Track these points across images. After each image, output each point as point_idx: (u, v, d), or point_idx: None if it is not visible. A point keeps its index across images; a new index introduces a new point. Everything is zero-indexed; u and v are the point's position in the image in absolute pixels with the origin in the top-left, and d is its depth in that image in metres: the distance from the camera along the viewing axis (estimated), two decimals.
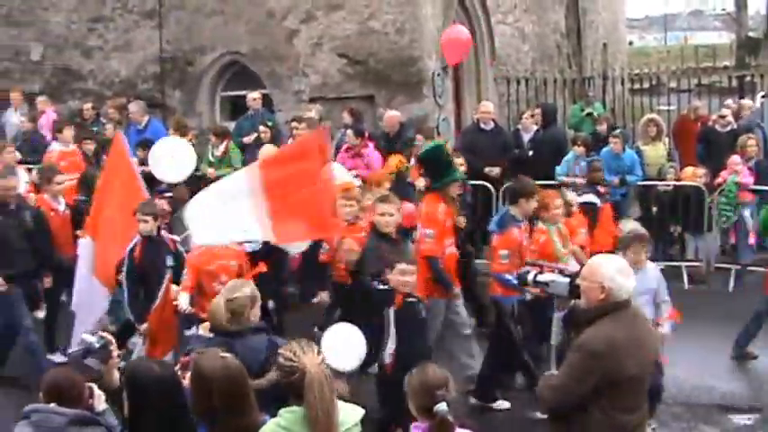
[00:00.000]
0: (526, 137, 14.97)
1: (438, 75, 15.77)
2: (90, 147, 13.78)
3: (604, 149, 13.89)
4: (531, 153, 14.57)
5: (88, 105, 16.42)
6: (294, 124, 14.01)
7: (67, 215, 10.83)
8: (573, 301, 5.72)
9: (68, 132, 13.64)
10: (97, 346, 5.30)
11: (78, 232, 10.32)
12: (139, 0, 17.19)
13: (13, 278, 9.67)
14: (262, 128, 14.08)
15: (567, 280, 5.83)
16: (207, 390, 4.80)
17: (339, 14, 15.70)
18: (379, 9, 15.46)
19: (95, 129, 15.63)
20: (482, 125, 14.27)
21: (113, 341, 5.46)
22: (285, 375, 4.60)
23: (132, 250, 8.91)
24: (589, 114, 16.62)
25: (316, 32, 15.87)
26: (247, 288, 6.47)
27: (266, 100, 15.87)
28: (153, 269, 8.89)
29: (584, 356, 5.17)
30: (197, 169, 12.98)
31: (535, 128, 14.98)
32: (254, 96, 15.32)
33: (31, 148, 14.59)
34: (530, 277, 6.24)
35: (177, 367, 5.56)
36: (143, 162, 13.26)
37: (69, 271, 10.12)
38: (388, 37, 15.50)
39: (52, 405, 4.89)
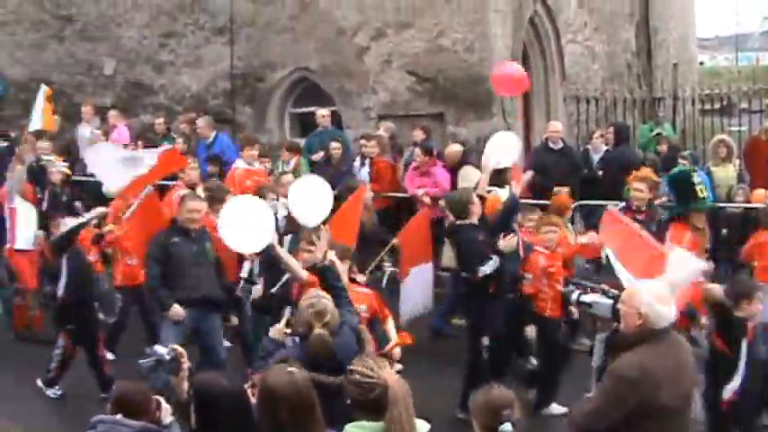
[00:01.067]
0: (596, 157, 15.10)
1: None
2: (268, 164, 13.78)
3: (673, 170, 13.95)
4: (600, 173, 14.70)
5: (160, 120, 16.87)
6: (363, 142, 14.38)
7: None
8: (615, 324, 5.74)
9: (252, 150, 13.39)
10: (168, 358, 5.46)
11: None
12: (211, 17, 17.66)
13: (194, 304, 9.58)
14: (334, 144, 14.34)
15: (611, 302, 5.87)
16: (274, 405, 4.81)
17: (409, 32, 15.97)
18: (449, 27, 15.71)
19: (167, 144, 16.11)
20: (551, 145, 14.41)
21: (184, 354, 5.59)
22: (364, 392, 4.59)
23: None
24: (658, 135, 16.71)
25: (385, 50, 16.17)
26: (324, 298, 6.43)
27: (335, 117, 16.17)
28: None
29: (616, 382, 5.21)
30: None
31: (605, 148, 15.09)
32: (323, 113, 15.59)
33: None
34: (573, 297, 6.29)
35: (248, 384, 5.61)
36: (212, 175, 13.73)
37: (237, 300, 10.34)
38: (457, 55, 15.73)
39: (119, 416, 5.07)
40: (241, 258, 9.91)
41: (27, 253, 12.31)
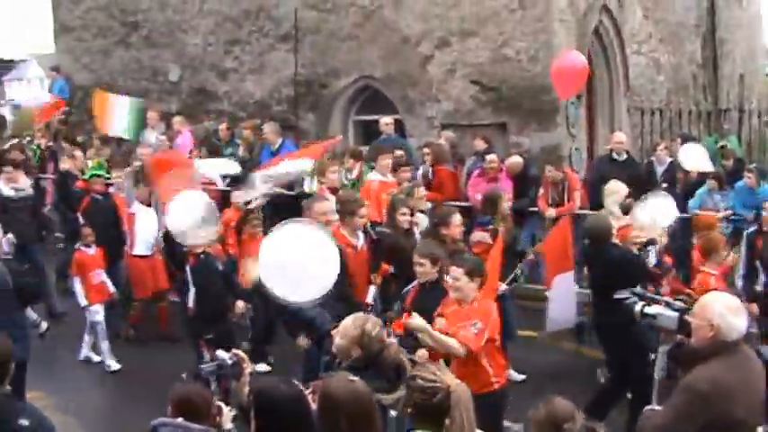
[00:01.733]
0: (660, 169, 15.02)
1: (571, 104, 16.01)
2: (406, 175, 12.96)
3: (738, 183, 13.91)
4: (664, 185, 14.74)
5: (223, 126, 17.14)
6: (426, 150, 14.58)
7: (365, 252, 9.83)
8: (679, 336, 5.74)
9: (387, 161, 13.07)
10: (230, 363, 5.57)
11: (372, 276, 9.80)
12: (275, 24, 18.03)
13: None
14: (398, 152, 14.36)
15: (676, 314, 5.82)
16: (334, 412, 4.80)
17: (473, 41, 16.16)
18: (513, 37, 15.87)
19: (230, 150, 16.44)
20: (615, 156, 14.51)
21: (246, 359, 5.69)
22: (427, 396, 4.67)
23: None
24: (723, 147, 16.70)
25: (449, 58, 16.36)
26: (372, 319, 6.28)
27: (399, 125, 16.40)
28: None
29: (690, 397, 5.10)
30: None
31: (669, 160, 15.13)
32: (386, 121, 15.81)
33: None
34: (637, 308, 6.19)
35: (309, 391, 5.49)
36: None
37: None
38: (521, 64, 15.88)
39: (180, 420, 5.14)
40: None
41: (145, 259, 12.48)
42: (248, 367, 5.68)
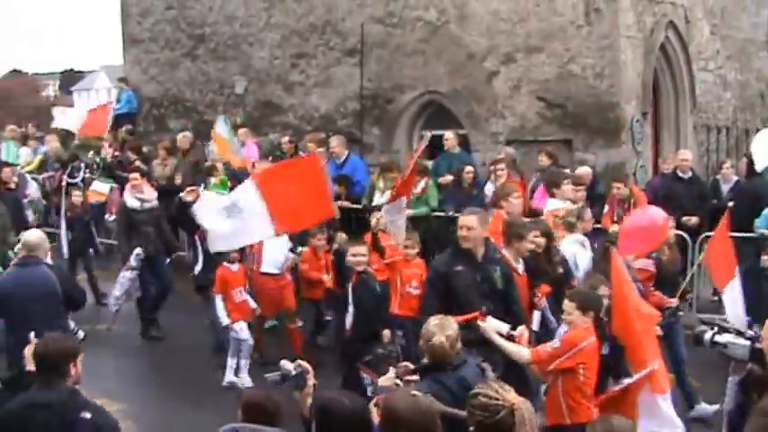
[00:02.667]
0: (725, 187, 15.06)
1: (637, 121, 16.18)
2: (581, 194, 12.51)
3: None
4: (730, 204, 14.78)
5: (286, 139, 17.51)
6: (497, 166, 14.66)
7: (525, 278, 9.28)
8: (750, 365, 5.74)
9: (569, 187, 12.45)
10: (293, 373, 5.69)
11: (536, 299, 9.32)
12: (341, 38, 18.44)
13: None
14: (468, 168, 14.76)
15: (748, 343, 5.80)
16: (395, 427, 4.91)
17: (539, 57, 16.38)
18: (579, 53, 16.04)
19: None
20: (680, 174, 14.57)
21: (310, 370, 5.78)
22: (490, 414, 4.69)
23: None
24: None
25: (515, 74, 16.59)
26: (453, 323, 6.45)
27: (464, 140, 16.62)
28: None
29: (765, 422, 5.01)
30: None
31: (735, 178, 15.17)
32: (447, 136, 15.96)
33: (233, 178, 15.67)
34: (707, 336, 6.13)
35: (372, 403, 5.58)
36: (339, 197, 14.36)
37: None
38: (586, 81, 16.04)
39: (254, 425, 5.33)
40: None
41: (273, 277, 12.10)
42: (312, 378, 5.78)
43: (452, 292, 8.34)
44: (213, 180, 14.20)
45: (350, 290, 9.95)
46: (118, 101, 22.35)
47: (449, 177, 15.12)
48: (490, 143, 16.81)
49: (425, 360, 6.34)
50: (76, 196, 15.28)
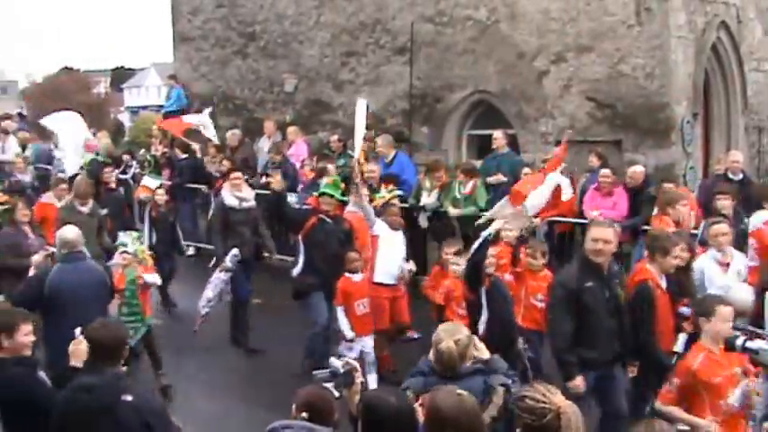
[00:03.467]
0: None
1: (687, 122, 16.22)
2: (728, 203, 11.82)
3: None
4: None
5: (335, 137, 17.77)
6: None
7: (668, 295, 8.76)
8: None
9: (685, 208, 11.83)
10: (342, 371, 5.76)
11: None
12: (391, 36, 18.74)
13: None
14: (525, 169, 14.67)
15: None
16: (440, 425, 4.93)
17: (589, 57, 16.47)
18: (630, 53, 16.09)
19: (343, 161, 17.09)
20: (730, 175, 14.48)
21: (358, 368, 5.88)
22: (537, 417, 4.71)
23: None
24: None
25: (565, 74, 16.71)
26: (464, 329, 6.47)
27: (513, 140, 16.64)
28: None
29: None
30: (441, 206, 14.22)
31: None
32: (496, 136, 15.89)
33: (282, 176, 16.06)
34: (738, 342, 6.14)
35: (418, 403, 5.60)
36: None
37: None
38: (637, 81, 16.09)
39: (304, 422, 5.36)
40: None
41: (388, 288, 11.44)
42: (360, 377, 5.86)
43: (581, 310, 8.03)
44: (325, 180, 13.06)
45: (483, 294, 9.38)
46: (168, 98, 22.81)
47: (500, 177, 15.10)
48: (539, 143, 16.91)
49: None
50: (160, 195, 14.75)
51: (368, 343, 10.89)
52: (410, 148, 17.98)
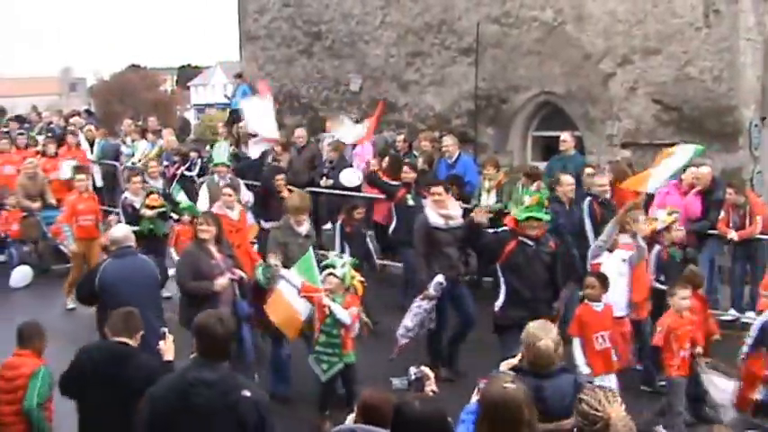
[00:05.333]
0: None
1: (755, 126, 16.31)
2: None
3: None
4: None
5: (401, 137, 18.15)
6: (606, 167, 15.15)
7: None
8: None
9: None
10: (413, 377, 6.07)
11: None
12: (457, 37, 19.09)
13: None
14: (588, 170, 14.60)
15: None
16: (484, 415, 5.16)
17: (656, 59, 16.62)
18: (697, 56, 16.21)
19: (407, 161, 17.44)
20: None
21: (430, 376, 6.13)
22: (588, 423, 4.97)
23: None
24: None
25: (631, 76, 16.87)
26: (554, 327, 6.57)
27: (578, 142, 16.75)
28: None
29: None
30: (506, 207, 14.43)
31: None
32: (564, 138, 16.00)
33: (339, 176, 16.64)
34: None
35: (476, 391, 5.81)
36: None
37: None
38: (704, 84, 16.18)
39: (369, 427, 5.60)
40: None
41: (617, 321, 10.50)
42: (431, 384, 6.11)
43: None
44: (528, 200, 10.54)
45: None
46: (234, 96, 23.36)
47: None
48: (605, 146, 17.12)
49: (523, 363, 6.44)
50: (359, 214, 13.75)
51: (610, 383, 9.28)
52: (475, 150, 18.30)
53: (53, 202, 17.49)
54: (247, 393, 6.01)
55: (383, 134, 19.74)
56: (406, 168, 14.69)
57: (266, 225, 13.84)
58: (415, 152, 17.61)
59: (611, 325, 9.85)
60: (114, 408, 6.84)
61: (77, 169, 16.59)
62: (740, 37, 16.14)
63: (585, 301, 9.83)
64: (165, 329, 7.62)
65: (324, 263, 10.26)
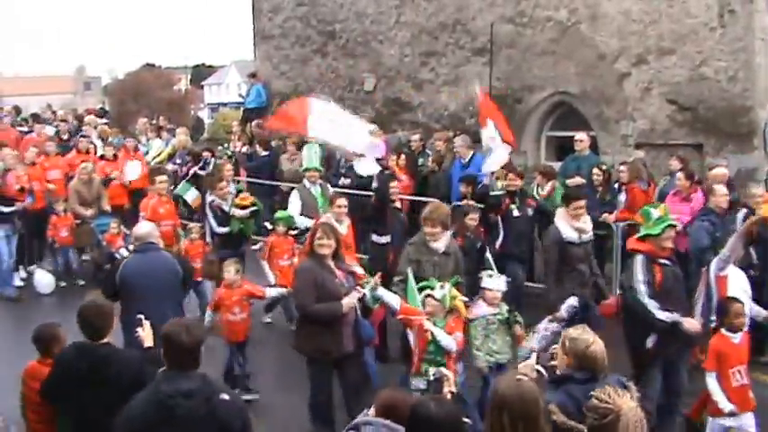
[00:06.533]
0: None
1: None
2: None
3: None
4: None
5: (416, 137, 18.30)
6: (621, 168, 15.20)
7: None
8: None
9: None
10: (430, 379, 6.46)
11: None
12: (471, 37, 19.21)
13: None
14: (596, 170, 15.03)
15: None
16: (500, 411, 5.10)
17: (671, 59, 16.65)
18: (712, 56, 16.23)
19: (421, 160, 17.60)
20: None
21: (450, 377, 6.21)
22: (598, 417, 4.97)
23: None
24: None
25: (646, 77, 16.92)
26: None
27: (592, 142, 16.83)
28: None
29: None
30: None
31: None
32: (580, 138, 16.17)
33: (355, 175, 16.56)
34: None
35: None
36: (464, 197, 14.87)
37: None
38: (719, 84, 16.19)
39: (386, 421, 5.59)
40: None
41: None
42: (449, 385, 6.14)
43: None
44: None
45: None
46: (247, 95, 23.56)
47: (577, 179, 15.33)
48: (619, 146, 17.16)
49: (567, 369, 6.24)
50: (472, 220, 12.62)
51: (747, 422, 8.85)
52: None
53: (108, 208, 17.32)
54: (225, 396, 6.03)
55: (397, 133, 19.85)
56: (511, 176, 14.01)
57: (379, 239, 12.82)
58: (428, 151, 17.80)
59: (748, 358, 9.02)
60: (104, 408, 6.68)
61: (156, 171, 15.57)
62: (755, 37, 16.13)
63: (722, 330, 8.93)
64: (142, 316, 7.56)
65: (421, 284, 9.41)
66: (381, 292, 9.14)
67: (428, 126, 19.54)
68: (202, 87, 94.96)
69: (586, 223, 11.02)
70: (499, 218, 13.75)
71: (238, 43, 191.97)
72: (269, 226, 14.31)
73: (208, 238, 14.92)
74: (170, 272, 9.60)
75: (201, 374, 6.01)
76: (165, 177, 14.97)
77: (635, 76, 17.11)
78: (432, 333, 8.82)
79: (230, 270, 11.18)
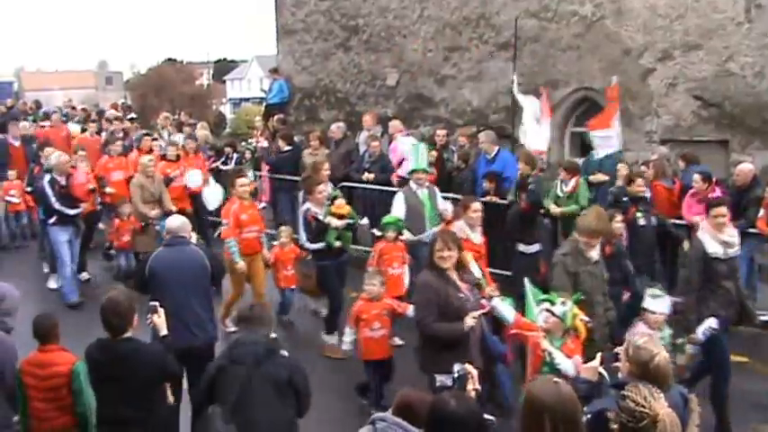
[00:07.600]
0: None
1: None
2: None
3: None
4: None
5: (442, 132, 17.97)
6: (642, 167, 15.20)
7: None
8: None
9: None
10: (455, 376, 6.06)
11: None
12: (495, 32, 19.25)
13: None
14: (620, 165, 14.87)
15: None
16: (538, 415, 4.96)
17: (696, 55, 16.63)
18: (738, 51, 16.18)
19: (445, 156, 17.60)
20: None
21: (474, 375, 6.07)
22: (634, 420, 4.89)
23: None
24: None
25: (671, 72, 16.91)
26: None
27: None
28: None
29: None
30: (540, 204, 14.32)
31: None
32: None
33: (380, 170, 16.79)
34: None
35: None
36: (487, 193, 14.88)
37: None
38: (745, 80, 16.15)
39: (399, 420, 5.54)
40: None
41: None
42: (473, 382, 6.03)
43: None
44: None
45: None
46: (270, 90, 23.63)
47: (600, 176, 15.33)
48: (644, 142, 17.13)
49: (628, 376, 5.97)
50: (618, 224, 11.93)
51: None
52: (512, 145, 18.13)
53: (172, 208, 15.69)
54: (285, 353, 7.02)
55: (419, 129, 19.87)
56: (639, 181, 13.64)
57: (526, 249, 12.39)
58: (452, 147, 17.69)
59: None
60: (128, 398, 7.21)
61: (238, 173, 14.38)
62: None
63: None
64: (156, 303, 7.95)
65: (541, 297, 8.71)
66: (495, 302, 8.78)
67: (451, 122, 19.54)
68: (224, 82, 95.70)
69: (733, 236, 9.96)
70: (625, 226, 12.77)
71: (260, 38, 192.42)
72: (376, 233, 13.51)
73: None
74: (198, 266, 9.70)
75: (266, 333, 7.04)
76: (246, 180, 13.76)
77: (660, 72, 17.08)
78: (549, 353, 8.22)
79: (375, 282, 10.48)
